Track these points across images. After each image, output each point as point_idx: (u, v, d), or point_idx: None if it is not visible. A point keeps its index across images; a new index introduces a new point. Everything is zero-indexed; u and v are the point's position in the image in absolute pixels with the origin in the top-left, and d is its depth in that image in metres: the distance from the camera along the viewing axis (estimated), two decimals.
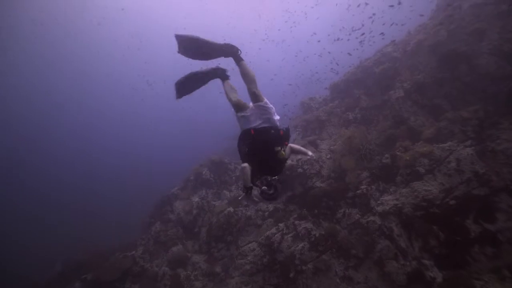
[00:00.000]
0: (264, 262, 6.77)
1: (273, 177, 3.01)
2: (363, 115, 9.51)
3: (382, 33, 10.82)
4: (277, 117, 3.39)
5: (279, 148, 3.03)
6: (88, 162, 33.27)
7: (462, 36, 7.39)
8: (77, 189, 27.25)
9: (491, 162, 5.26)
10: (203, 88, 4.04)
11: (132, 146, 35.15)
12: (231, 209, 8.32)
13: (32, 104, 36.97)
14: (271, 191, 2.88)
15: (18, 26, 27.01)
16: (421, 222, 5.40)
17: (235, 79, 3.71)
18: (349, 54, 11.81)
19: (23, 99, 36.06)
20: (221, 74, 3.75)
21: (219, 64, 3.90)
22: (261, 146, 3.07)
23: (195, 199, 9.88)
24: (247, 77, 3.40)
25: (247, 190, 3.06)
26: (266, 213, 8.03)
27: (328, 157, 8.46)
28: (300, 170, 8.09)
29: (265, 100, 3.36)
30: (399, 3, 10.46)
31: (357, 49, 12.08)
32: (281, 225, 7.16)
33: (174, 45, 3.64)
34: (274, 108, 3.40)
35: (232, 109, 3.51)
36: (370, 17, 12.07)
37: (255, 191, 3.11)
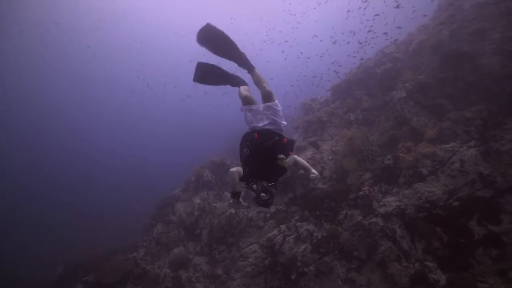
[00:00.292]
0: (265, 264, 6.73)
1: (270, 183, 2.97)
2: (364, 116, 9.46)
3: (385, 33, 10.77)
4: (284, 123, 3.38)
5: (282, 156, 3.00)
6: (87, 164, 33.32)
7: (464, 35, 7.33)
8: (76, 190, 27.31)
9: (496, 163, 5.20)
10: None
11: (130, 148, 35.23)
12: (233, 211, 8.29)
13: (31, 105, 37.12)
14: (266, 197, 2.85)
15: (17, 27, 27.20)
16: (424, 223, 5.35)
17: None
18: (354, 56, 11.80)
19: (22, 100, 36.21)
20: (240, 83, 3.83)
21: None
22: (262, 151, 3.04)
23: (197, 200, 9.86)
24: (257, 85, 3.56)
25: (234, 196, 3.07)
26: (268, 215, 7.99)
27: (329, 158, 8.41)
28: (301, 171, 8.05)
29: (276, 101, 3.40)
30: (397, 6, 10.41)
31: (357, 51, 12.04)
32: (282, 226, 7.12)
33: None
34: (282, 112, 3.41)
35: (240, 105, 3.56)
36: (373, 19, 12.04)
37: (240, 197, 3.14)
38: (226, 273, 7.52)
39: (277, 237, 6.89)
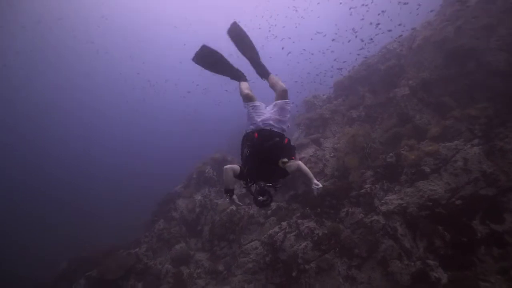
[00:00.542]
0: (266, 260, 6.76)
1: (269, 184, 2.95)
2: (367, 113, 9.39)
3: (390, 30, 10.63)
4: (287, 124, 3.36)
5: (286, 160, 2.93)
6: (88, 162, 33.36)
7: (470, 32, 7.20)
8: (76, 188, 27.35)
9: (500, 162, 5.14)
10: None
11: (131, 145, 35.27)
12: (234, 208, 8.31)
13: (31, 103, 37.04)
14: (264, 198, 2.83)
15: (19, 24, 27.13)
16: (426, 222, 5.32)
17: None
18: (358, 54, 11.68)
19: (22, 98, 36.13)
20: (241, 78, 3.79)
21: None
22: (262, 151, 2.99)
23: (198, 197, 9.90)
24: (273, 86, 3.57)
25: (227, 193, 3.03)
26: (269, 212, 8.00)
27: (331, 155, 8.38)
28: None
29: (288, 100, 3.38)
30: (405, 3, 10.25)
31: (361, 49, 11.89)
32: (284, 223, 7.13)
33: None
34: (290, 113, 3.39)
35: (242, 102, 3.54)
36: (379, 14, 11.86)
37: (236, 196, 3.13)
38: (227, 269, 7.57)
39: (278, 234, 6.90)
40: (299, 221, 6.90)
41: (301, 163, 3.23)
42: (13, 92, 34.44)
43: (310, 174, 3.17)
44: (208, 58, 3.88)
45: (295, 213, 7.38)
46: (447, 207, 5.23)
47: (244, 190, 8.24)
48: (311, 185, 3.10)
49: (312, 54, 17.53)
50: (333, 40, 15.20)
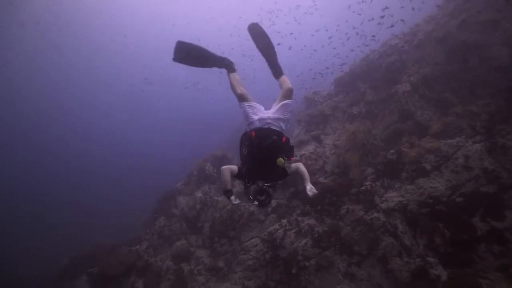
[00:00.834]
0: (266, 258, 6.78)
1: (267, 183, 2.92)
2: (368, 110, 9.32)
3: (392, 26, 10.49)
4: (286, 124, 3.33)
5: (283, 159, 2.89)
6: (87, 161, 33.36)
7: (473, 26, 7.08)
8: (76, 187, 27.30)
9: (501, 159, 5.09)
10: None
11: (130, 144, 35.24)
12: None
13: (31, 102, 36.86)
14: (263, 197, 2.81)
15: (17, 23, 26.97)
16: (426, 219, 5.30)
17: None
18: (361, 52, 11.58)
19: (22, 97, 35.96)
20: (227, 64, 3.68)
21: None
22: (260, 151, 2.96)
23: (199, 194, 9.91)
24: (282, 84, 3.52)
25: (226, 194, 3.04)
26: (269, 209, 8.00)
27: (332, 152, 8.34)
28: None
29: (290, 101, 3.35)
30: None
31: (366, 45, 11.77)
32: (284, 221, 7.13)
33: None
34: (290, 113, 3.37)
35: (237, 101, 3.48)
36: (383, 9, 11.71)
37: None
38: (227, 266, 7.60)
39: (278, 231, 6.91)
40: (299, 218, 6.90)
41: (301, 165, 3.21)
42: (13, 92, 34.35)
43: (307, 177, 3.16)
44: (189, 54, 3.69)
45: (295, 210, 7.38)
46: (447, 205, 5.21)
47: None
48: (305, 187, 3.06)
49: (315, 50, 17.41)
50: (329, 38, 15.02)
